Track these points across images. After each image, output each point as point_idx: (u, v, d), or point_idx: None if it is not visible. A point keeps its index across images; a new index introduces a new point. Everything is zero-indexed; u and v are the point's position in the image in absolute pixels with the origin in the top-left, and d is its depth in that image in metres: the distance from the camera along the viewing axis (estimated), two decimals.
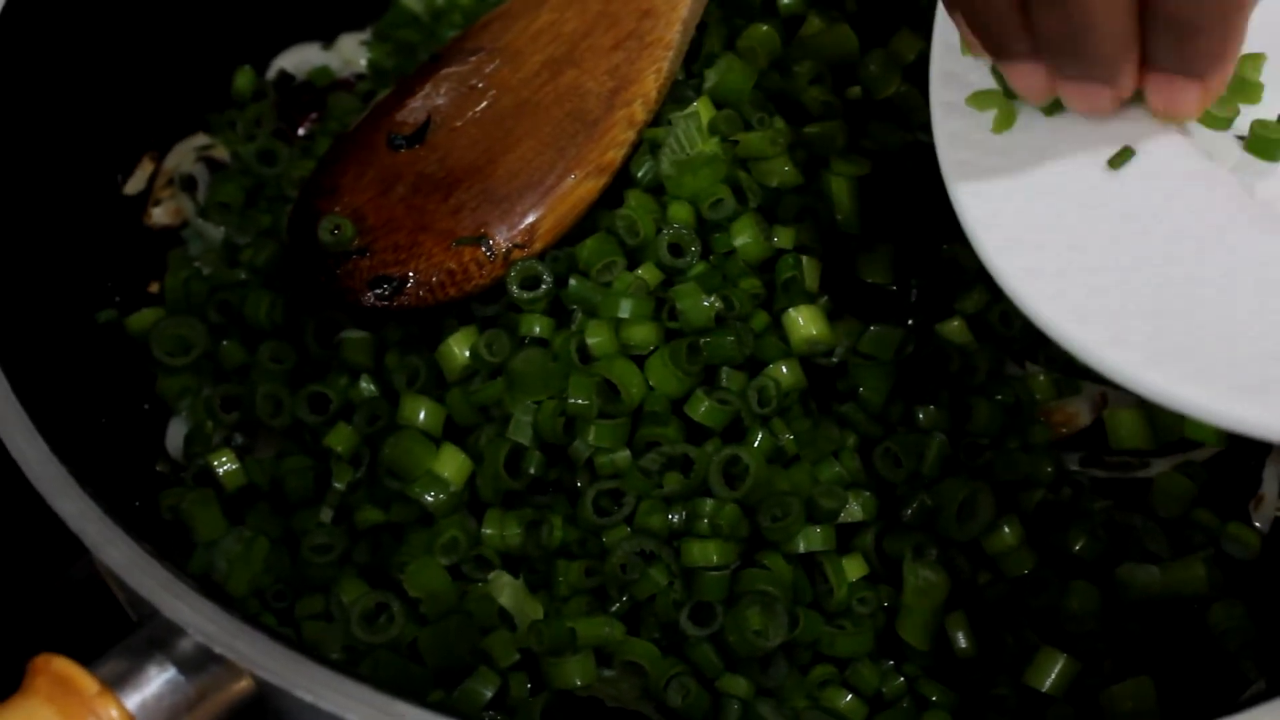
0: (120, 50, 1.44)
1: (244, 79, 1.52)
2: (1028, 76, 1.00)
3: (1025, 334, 1.26)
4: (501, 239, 1.19)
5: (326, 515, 1.19)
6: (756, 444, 1.13)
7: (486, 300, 1.21)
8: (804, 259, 1.18)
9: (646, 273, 1.18)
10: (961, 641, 1.12)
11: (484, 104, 1.26)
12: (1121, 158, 1.00)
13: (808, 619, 1.09)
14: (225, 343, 1.28)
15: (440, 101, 1.27)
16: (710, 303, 1.15)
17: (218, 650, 0.91)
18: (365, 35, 1.58)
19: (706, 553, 1.09)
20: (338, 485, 1.19)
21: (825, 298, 1.20)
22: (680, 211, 1.19)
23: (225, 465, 1.22)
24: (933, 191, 1.28)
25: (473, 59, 1.29)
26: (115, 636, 0.95)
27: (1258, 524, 1.22)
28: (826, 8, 1.33)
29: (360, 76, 1.55)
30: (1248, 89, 1.03)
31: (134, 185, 1.47)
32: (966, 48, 1.07)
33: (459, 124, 1.26)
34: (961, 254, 1.26)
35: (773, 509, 1.10)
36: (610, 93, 1.23)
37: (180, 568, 0.96)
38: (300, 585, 1.18)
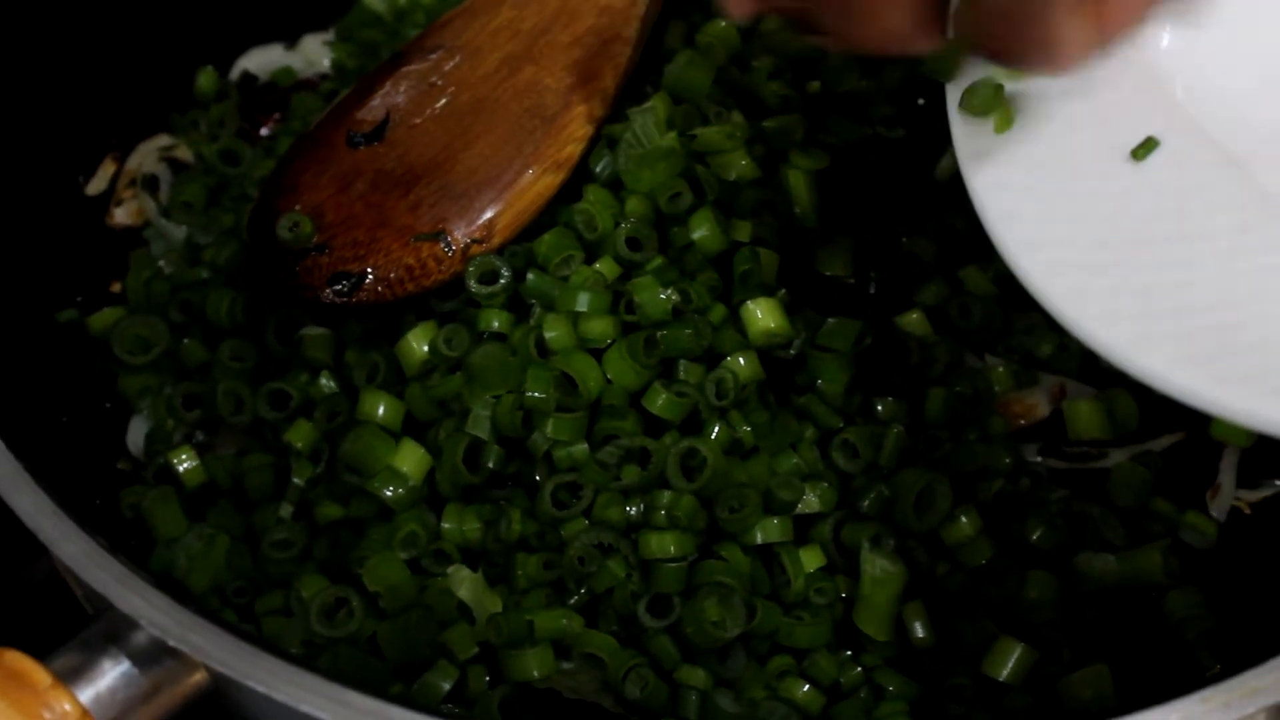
0: (83, 50, 1.44)
1: (207, 79, 1.52)
2: None
3: (984, 326, 1.27)
4: (460, 235, 1.20)
5: (286, 511, 1.19)
6: (714, 436, 1.13)
7: (445, 296, 1.21)
8: (761, 252, 1.19)
9: (604, 267, 1.18)
10: (919, 631, 1.12)
11: (443, 101, 1.26)
12: (1145, 149, 0.99)
13: (765, 610, 1.10)
14: (186, 341, 1.28)
15: (400, 99, 1.28)
16: (667, 296, 1.15)
17: (171, 643, 0.91)
18: (328, 35, 1.58)
19: (664, 544, 1.10)
20: (297, 481, 1.19)
21: (783, 290, 1.20)
22: (638, 206, 1.20)
23: (185, 463, 1.22)
24: (891, 184, 1.30)
25: (433, 56, 1.29)
26: (73, 632, 0.95)
27: (1214, 514, 1.22)
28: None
29: (324, 77, 1.55)
30: None
31: (96, 186, 1.47)
32: None
33: (418, 121, 1.26)
34: (921, 247, 1.27)
35: (730, 500, 1.11)
36: (568, 89, 1.24)
37: (139, 564, 0.96)
38: (260, 581, 1.18)
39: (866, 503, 1.14)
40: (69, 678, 0.90)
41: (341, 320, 1.23)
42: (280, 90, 1.55)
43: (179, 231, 1.40)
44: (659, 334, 1.14)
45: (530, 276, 1.17)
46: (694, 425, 1.15)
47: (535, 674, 1.08)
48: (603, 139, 1.23)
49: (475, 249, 1.19)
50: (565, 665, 1.10)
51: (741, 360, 1.16)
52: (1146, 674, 1.14)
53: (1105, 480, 1.22)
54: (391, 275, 1.19)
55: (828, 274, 1.23)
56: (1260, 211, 0.96)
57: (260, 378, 1.24)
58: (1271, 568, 1.20)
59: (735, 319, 1.18)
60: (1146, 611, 1.17)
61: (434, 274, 1.19)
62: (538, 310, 1.17)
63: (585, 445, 1.13)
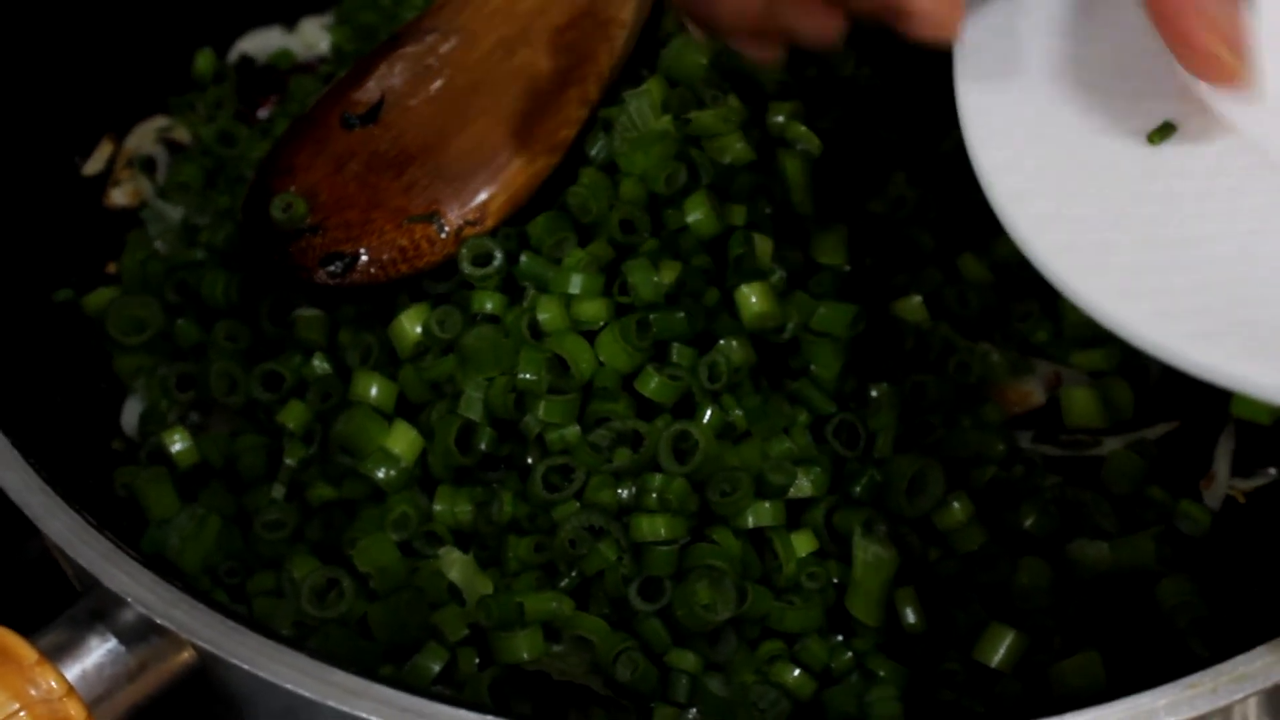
0: (81, 31, 1.44)
1: (205, 61, 1.52)
2: None
3: (980, 313, 1.27)
4: (453, 216, 1.20)
5: (279, 492, 1.19)
6: (706, 419, 1.13)
7: (439, 277, 1.21)
8: (756, 236, 1.18)
9: (598, 249, 1.18)
10: (910, 617, 1.11)
11: (438, 83, 1.26)
12: (1162, 134, 0.98)
13: (756, 594, 1.09)
14: (181, 322, 1.28)
15: (395, 81, 1.27)
16: (660, 279, 1.15)
17: (158, 621, 0.91)
18: (327, 18, 1.58)
19: (655, 528, 1.09)
20: (290, 462, 1.19)
21: (778, 274, 1.19)
22: (632, 189, 1.19)
23: (178, 443, 1.22)
24: (887, 170, 1.29)
25: (428, 39, 1.29)
26: (61, 610, 0.95)
27: (1209, 502, 1.22)
28: None
29: (322, 60, 1.55)
30: None
31: (93, 166, 1.47)
32: None
33: (413, 103, 1.26)
34: (918, 233, 1.26)
35: (722, 484, 1.10)
36: (564, 71, 1.23)
37: (128, 543, 0.96)
38: (252, 562, 1.18)
39: (859, 488, 1.14)
40: (55, 654, 0.90)
41: (335, 301, 1.23)
42: (279, 73, 1.55)
43: (175, 212, 1.40)
44: (652, 317, 1.14)
45: (523, 259, 1.17)
46: (686, 408, 1.14)
47: (525, 656, 1.08)
48: (598, 122, 1.23)
49: (469, 231, 1.19)
50: (555, 648, 1.10)
51: (734, 344, 1.16)
52: (1138, 661, 1.13)
53: (1099, 467, 1.22)
54: (385, 257, 1.19)
55: (823, 261, 1.22)
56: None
57: (254, 359, 1.24)
58: (1265, 556, 1.19)
59: (728, 302, 1.17)
60: (1139, 599, 1.16)
61: (427, 255, 1.19)
62: (531, 292, 1.17)
63: (577, 428, 1.13)
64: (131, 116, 1.49)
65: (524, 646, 1.08)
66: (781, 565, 1.11)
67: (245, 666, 0.89)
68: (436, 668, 1.08)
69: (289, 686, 0.88)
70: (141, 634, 0.92)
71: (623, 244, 1.18)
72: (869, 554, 1.11)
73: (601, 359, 1.14)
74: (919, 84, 1.35)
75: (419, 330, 1.18)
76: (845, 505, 1.14)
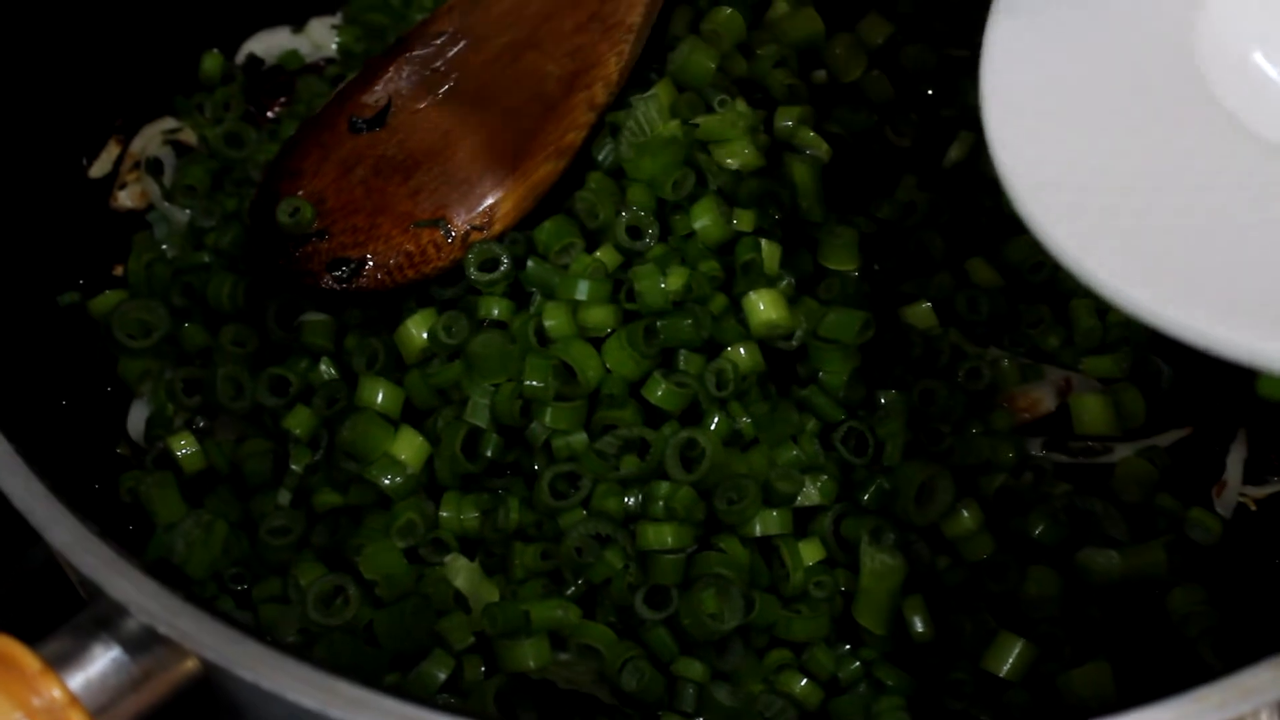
0: (88, 32, 1.43)
1: (212, 62, 1.51)
2: None
3: (990, 318, 1.26)
4: (460, 221, 1.19)
5: (285, 498, 1.19)
6: (714, 427, 1.13)
7: (446, 283, 1.20)
8: (764, 242, 1.18)
9: (605, 255, 1.17)
10: (919, 626, 1.11)
11: (446, 87, 1.26)
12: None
13: (764, 603, 1.09)
14: (187, 325, 1.28)
15: (402, 85, 1.27)
16: (668, 285, 1.14)
17: (161, 630, 0.91)
18: (335, 19, 1.57)
19: (662, 536, 1.09)
20: (296, 468, 1.18)
21: (786, 280, 1.19)
22: (639, 194, 1.19)
23: (185, 448, 1.21)
24: (896, 176, 1.28)
25: (436, 42, 1.29)
26: (67, 618, 0.94)
27: (1220, 510, 1.21)
28: None
29: (330, 61, 1.55)
30: None
31: (100, 168, 1.46)
32: None
33: (420, 107, 1.25)
34: (927, 238, 1.26)
35: (729, 492, 1.10)
36: (571, 75, 1.23)
37: (133, 550, 0.96)
38: (258, 568, 1.17)
39: (867, 496, 1.13)
40: (59, 664, 0.89)
41: (342, 306, 1.23)
42: (286, 74, 1.54)
43: (182, 215, 1.39)
44: (659, 323, 1.14)
45: (530, 264, 1.17)
46: (694, 416, 1.14)
47: (531, 664, 1.08)
48: (605, 126, 1.23)
49: (475, 236, 1.19)
50: (562, 656, 1.10)
51: (742, 351, 1.15)
52: (1148, 671, 1.13)
53: (1109, 475, 1.21)
54: (391, 262, 1.19)
55: (832, 267, 1.21)
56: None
57: (260, 363, 1.24)
58: (1277, 565, 1.19)
59: (736, 309, 1.17)
60: (1149, 608, 1.16)
61: (434, 261, 1.19)
62: (538, 298, 1.17)
63: (584, 435, 1.12)
64: (139, 118, 1.49)
65: (530, 655, 1.08)
66: (789, 574, 1.11)
67: (249, 677, 0.88)
68: (442, 676, 1.08)
69: (292, 697, 0.87)
70: (145, 643, 0.91)
71: (630, 249, 1.17)
72: (877, 562, 1.10)
73: (608, 366, 1.14)
74: (930, 89, 1.36)
75: (425, 336, 1.17)
76: (853, 513, 1.14)
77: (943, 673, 1.11)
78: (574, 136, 1.21)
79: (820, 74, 1.29)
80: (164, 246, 1.37)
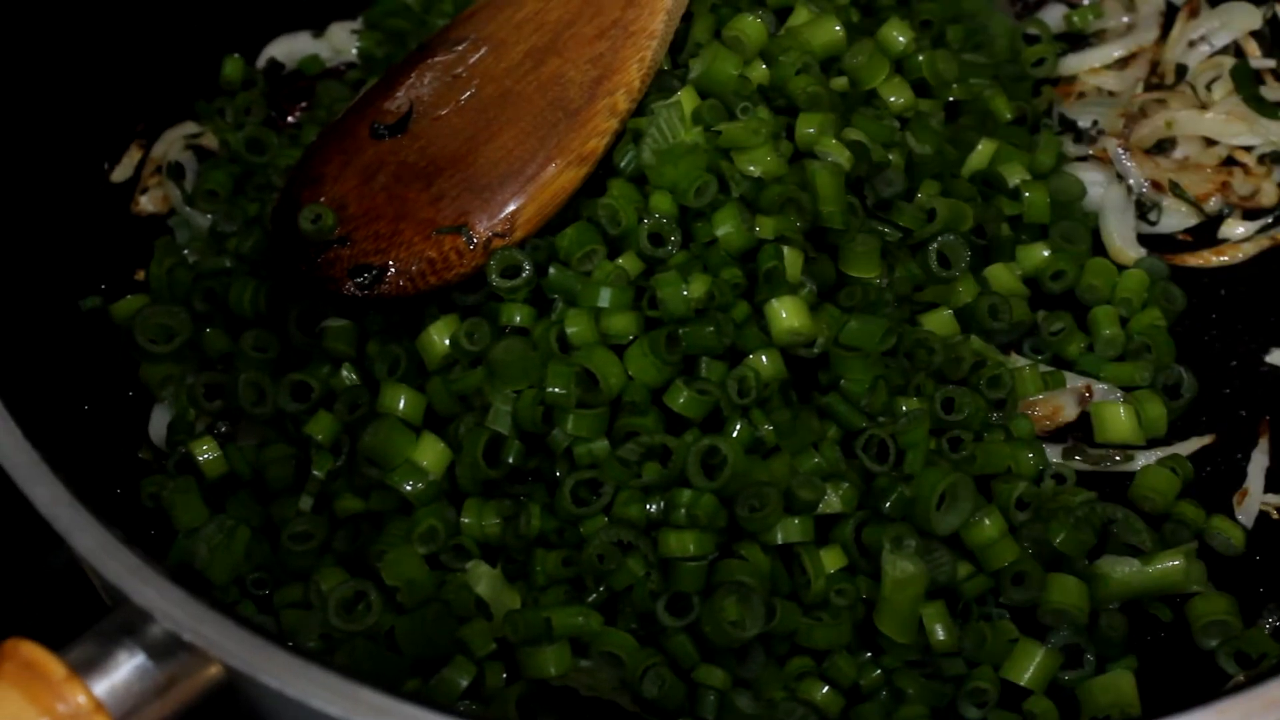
0: (110, 37, 1.44)
1: (233, 67, 1.52)
2: None
3: (1011, 326, 1.26)
4: (482, 228, 1.19)
5: (306, 504, 1.19)
6: (735, 434, 1.12)
7: (468, 289, 1.20)
8: (786, 249, 1.18)
9: (627, 262, 1.17)
10: (940, 634, 1.11)
11: (467, 93, 1.26)
12: None
13: (785, 610, 1.09)
14: (209, 330, 1.28)
15: (424, 91, 1.27)
16: (690, 292, 1.14)
17: (186, 637, 0.91)
18: (356, 24, 1.58)
19: (684, 543, 1.09)
20: (317, 474, 1.18)
21: (808, 288, 1.19)
22: (662, 201, 1.19)
23: (206, 453, 1.22)
24: (917, 181, 1.28)
25: (458, 48, 1.29)
26: (91, 623, 0.94)
27: (1241, 518, 1.21)
28: None
29: (350, 65, 1.55)
30: None
31: (121, 173, 1.47)
32: None
33: (442, 113, 1.25)
34: (948, 246, 1.25)
35: (751, 500, 1.10)
36: (593, 82, 1.23)
37: (156, 556, 0.96)
38: (280, 573, 1.18)
39: (889, 503, 1.13)
40: (84, 670, 0.90)
41: (364, 312, 1.23)
42: (307, 78, 1.55)
43: (204, 220, 1.40)
44: (681, 331, 1.14)
45: (552, 271, 1.17)
46: (715, 423, 1.14)
47: (553, 671, 1.08)
48: (627, 133, 1.22)
49: (497, 242, 1.19)
50: (583, 663, 1.10)
51: (764, 358, 1.15)
52: (1170, 680, 1.13)
53: (1131, 483, 1.21)
54: (413, 268, 1.19)
55: (854, 275, 1.21)
56: None
57: (282, 369, 1.24)
58: None
59: (758, 316, 1.17)
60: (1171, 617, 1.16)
61: (455, 267, 1.19)
62: (559, 305, 1.17)
63: (606, 442, 1.13)
64: (160, 122, 1.49)
65: (551, 662, 1.08)
66: (810, 581, 1.11)
67: (272, 684, 0.89)
68: (464, 682, 1.08)
69: (316, 704, 0.88)
70: (170, 650, 0.92)
71: (652, 257, 1.17)
72: (898, 570, 1.10)
73: (630, 373, 1.14)
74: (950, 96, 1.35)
75: (447, 342, 1.17)
76: (875, 521, 1.14)
77: (964, 681, 1.11)
78: (596, 143, 1.21)
79: (841, 81, 1.29)
80: (185, 251, 1.38)
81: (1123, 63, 1.51)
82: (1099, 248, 1.37)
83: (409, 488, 1.14)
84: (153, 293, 1.34)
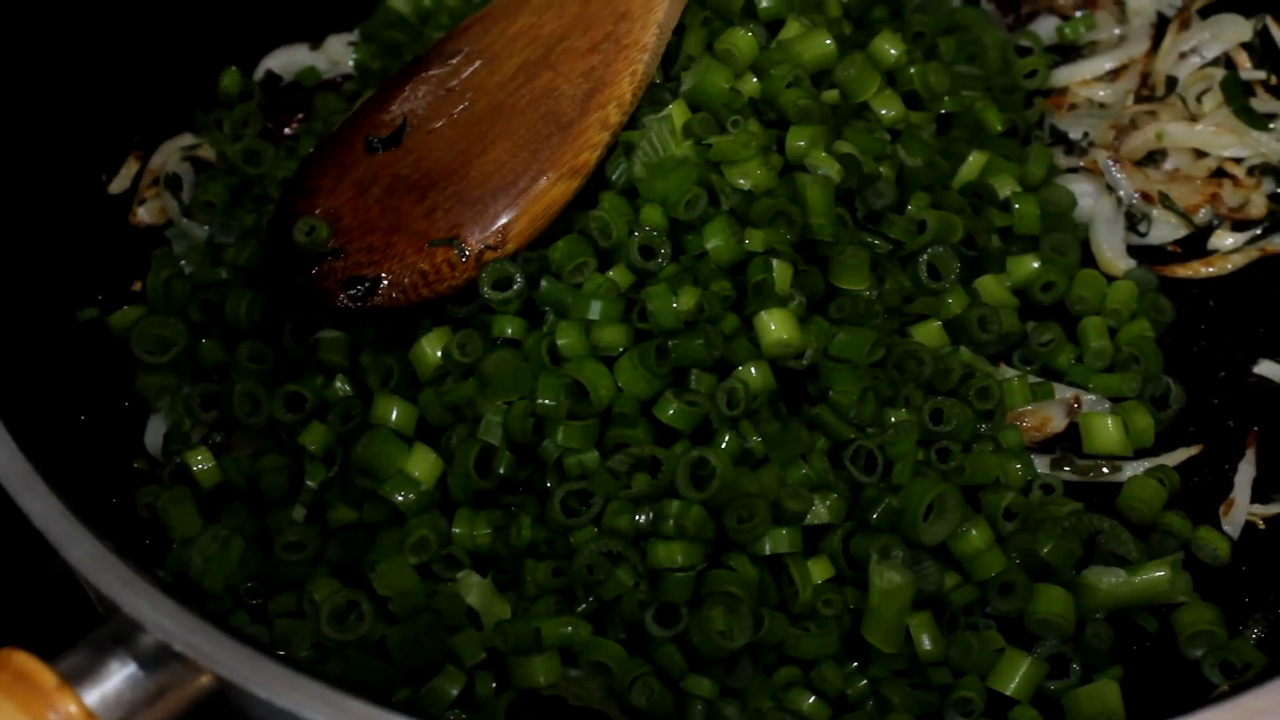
0: (107, 49, 1.45)
1: (231, 79, 1.53)
2: None
3: (1000, 337, 1.27)
4: (474, 240, 1.20)
5: (300, 514, 1.20)
6: (724, 446, 1.13)
7: (460, 301, 1.21)
8: (775, 262, 1.18)
9: (617, 274, 1.18)
10: (927, 644, 1.12)
11: (461, 106, 1.27)
12: None
13: (773, 620, 1.10)
14: (205, 341, 1.29)
15: (418, 104, 1.28)
16: (680, 304, 1.15)
17: (177, 647, 0.92)
18: (352, 36, 1.59)
19: (672, 554, 1.10)
20: (311, 484, 1.19)
21: (798, 300, 1.19)
22: (652, 214, 1.19)
23: (201, 463, 1.23)
24: (906, 193, 1.29)
25: (452, 62, 1.30)
26: (85, 633, 0.95)
27: (1227, 529, 1.22)
28: (807, 11, 1.34)
29: (347, 77, 1.56)
30: None
31: (119, 184, 1.48)
32: None
33: (436, 126, 1.26)
34: (938, 257, 1.26)
35: (739, 511, 1.11)
36: (585, 95, 1.24)
37: (149, 567, 0.97)
38: (273, 583, 1.19)
39: (876, 514, 1.14)
40: (75, 679, 0.91)
41: (358, 324, 1.24)
42: (304, 90, 1.56)
43: (201, 231, 1.41)
44: (671, 343, 1.15)
45: (544, 283, 1.18)
46: (704, 435, 1.15)
47: (542, 681, 1.09)
48: (619, 146, 1.23)
49: (489, 255, 1.20)
50: (572, 672, 1.11)
51: (753, 370, 1.16)
52: (1155, 690, 1.14)
53: (1118, 494, 1.22)
54: (406, 280, 1.20)
55: (843, 286, 1.22)
56: None
57: (277, 379, 1.25)
58: None
59: (748, 328, 1.17)
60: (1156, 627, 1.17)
61: (448, 279, 1.20)
62: (550, 317, 1.18)
63: (596, 453, 1.13)
64: (158, 134, 1.50)
65: (541, 671, 1.09)
66: (798, 592, 1.11)
67: (263, 694, 0.90)
68: (454, 691, 1.09)
69: (306, 714, 0.89)
70: (161, 660, 0.93)
71: (642, 269, 1.18)
72: (885, 580, 1.11)
73: (620, 385, 1.15)
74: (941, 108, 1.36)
75: (439, 354, 1.18)
76: (862, 531, 1.14)
77: (950, 691, 1.12)
78: (588, 156, 1.22)
79: (832, 94, 1.30)
80: (182, 262, 1.39)
81: (1114, 74, 1.51)
82: (1088, 259, 1.38)
83: (401, 498, 1.15)
84: (149, 304, 1.35)
